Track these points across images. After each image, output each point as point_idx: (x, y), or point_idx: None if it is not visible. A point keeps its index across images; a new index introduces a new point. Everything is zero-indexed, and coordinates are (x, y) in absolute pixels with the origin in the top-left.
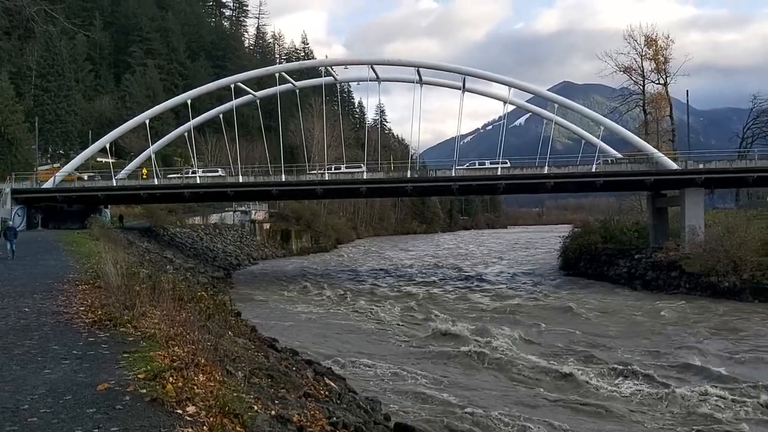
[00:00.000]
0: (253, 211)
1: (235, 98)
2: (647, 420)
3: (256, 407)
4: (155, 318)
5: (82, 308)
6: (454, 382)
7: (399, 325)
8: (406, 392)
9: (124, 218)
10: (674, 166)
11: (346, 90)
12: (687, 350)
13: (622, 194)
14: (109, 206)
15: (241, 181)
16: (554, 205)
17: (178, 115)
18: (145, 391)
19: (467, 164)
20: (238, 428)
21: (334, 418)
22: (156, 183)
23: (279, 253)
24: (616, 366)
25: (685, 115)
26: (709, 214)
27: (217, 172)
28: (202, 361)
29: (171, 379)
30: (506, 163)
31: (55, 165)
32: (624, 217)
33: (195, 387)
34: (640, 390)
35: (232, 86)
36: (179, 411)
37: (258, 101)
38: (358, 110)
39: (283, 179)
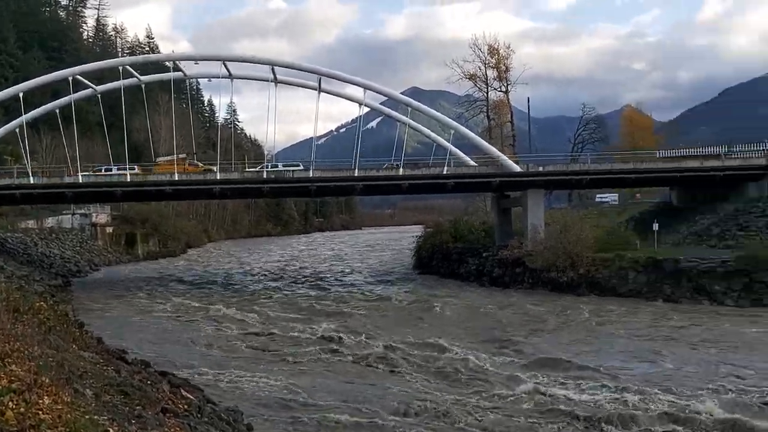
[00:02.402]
0: (95, 214)
1: (73, 92)
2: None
3: (111, 430)
4: None
5: None
6: (310, 386)
7: (253, 330)
8: (265, 399)
9: None
10: (517, 168)
11: (195, 87)
12: (522, 336)
13: (470, 195)
14: None
15: (81, 181)
16: (405, 206)
17: (8, 110)
18: None
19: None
20: None
21: None
22: None
23: (124, 259)
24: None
25: (522, 122)
26: (547, 213)
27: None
28: (46, 380)
29: (11, 404)
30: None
31: None
32: (472, 218)
33: (40, 412)
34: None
35: (71, 79)
36: None
37: (99, 96)
38: (208, 108)
39: (129, 179)
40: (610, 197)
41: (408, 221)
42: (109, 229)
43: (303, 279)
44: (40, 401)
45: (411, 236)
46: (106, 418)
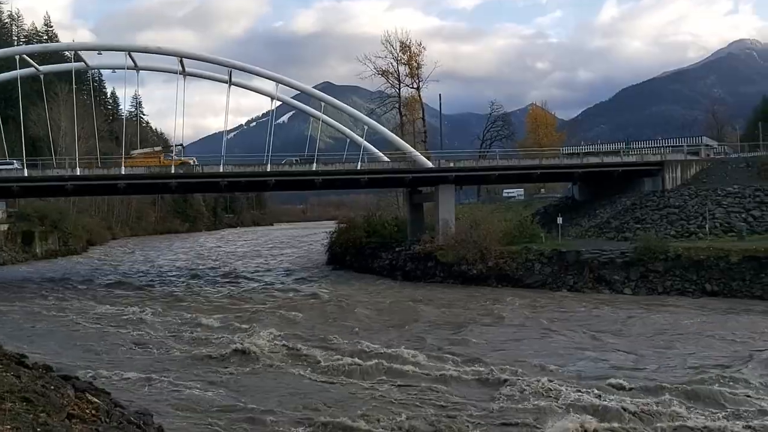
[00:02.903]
0: None
1: None
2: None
3: None
4: None
5: None
6: (219, 385)
7: (159, 330)
8: (174, 401)
9: None
10: (429, 164)
11: (97, 79)
12: (422, 325)
13: (382, 191)
14: None
15: None
16: (317, 202)
17: None
18: None
19: None
20: None
21: None
22: None
23: (20, 258)
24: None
25: (433, 118)
26: (457, 208)
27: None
28: None
29: None
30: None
31: None
32: (384, 213)
33: None
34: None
35: None
36: None
37: None
38: (111, 101)
39: (26, 174)
40: (517, 192)
41: (320, 217)
42: (4, 227)
43: (213, 277)
44: None
45: (323, 232)
46: (9, 427)
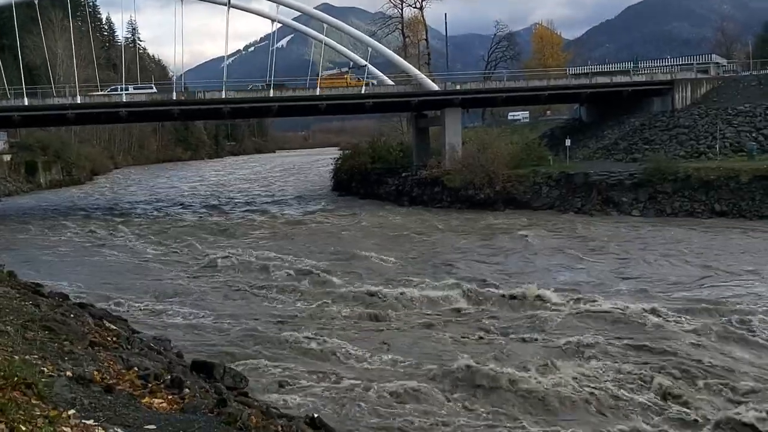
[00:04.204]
0: None
1: None
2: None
3: (45, 369)
4: None
5: None
6: (230, 312)
7: (167, 256)
8: (188, 326)
9: None
10: (435, 87)
11: (91, 4)
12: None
13: (384, 116)
14: None
15: None
16: (319, 128)
17: None
18: None
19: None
20: (34, 401)
21: (135, 367)
22: None
23: (25, 188)
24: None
25: (435, 40)
26: (463, 132)
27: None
28: None
29: None
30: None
31: None
32: (389, 138)
33: None
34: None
35: None
36: None
37: None
38: (106, 27)
39: (26, 103)
40: (522, 115)
41: (322, 144)
42: (7, 158)
43: (219, 204)
44: None
45: (326, 158)
46: (36, 356)
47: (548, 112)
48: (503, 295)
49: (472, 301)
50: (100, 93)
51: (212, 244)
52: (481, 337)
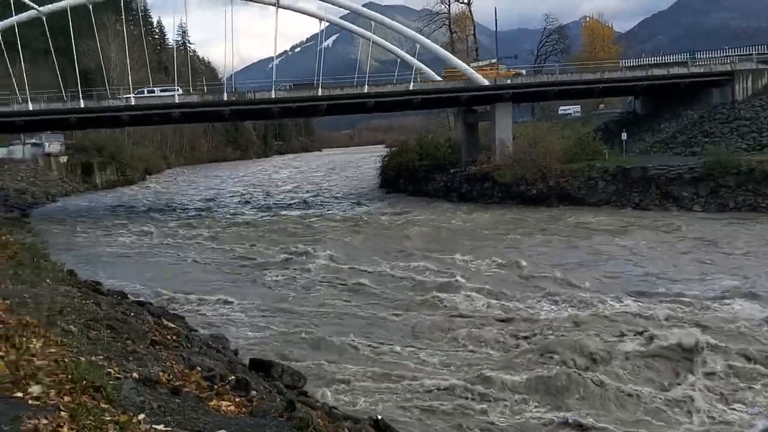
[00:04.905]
0: (47, 143)
1: (15, 14)
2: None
3: (111, 370)
4: None
5: None
6: (283, 308)
7: (220, 255)
8: (242, 323)
9: None
10: (485, 82)
11: (143, 8)
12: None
13: (431, 113)
14: None
15: (31, 109)
16: (365, 126)
17: None
18: None
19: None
20: (103, 404)
21: (198, 367)
22: None
23: (81, 189)
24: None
25: (481, 35)
26: (513, 127)
27: (177, 90)
28: (31, 320)
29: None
30: None
31: None
32: (436, 135)
33: (34, 358)
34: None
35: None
36: (20, 394)
37: (44, 18)
38: (157, 30)
39: (83, 105)
40: (573, 109)
41: (368, 142)
42: (64, 159)
43: (272, 202)
44: (31, 345)
45: (372, 156)
46: (101, 357)
47: (601, 105)
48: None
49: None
50: (129, 96)
51: (267, 243)
52: None
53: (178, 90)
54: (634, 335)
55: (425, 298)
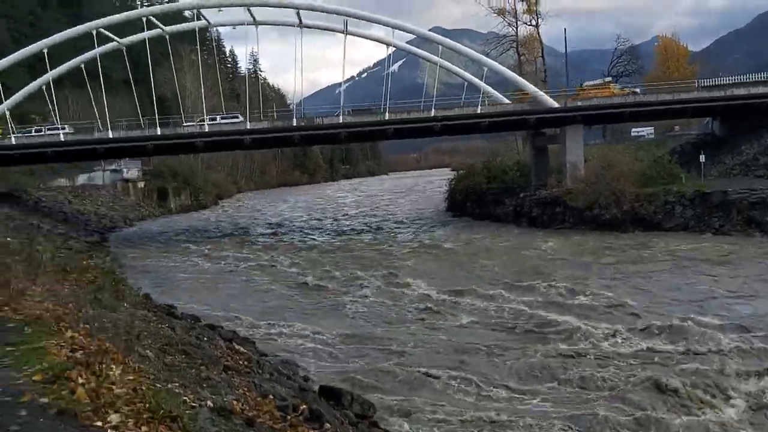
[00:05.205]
0: (125, 170)
1: (97, 46)
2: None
3: (187, 398)
4: (37, 296)
5: None
6: (355, 334)
7: (293, 279)
8: (312, 350)
9: None
10: (555, 104)
11: (216, 38)
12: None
13: (497, 136)
14: None
15: (111, 136)
16: (431, 149)
17: (31, 68)
18: (47, 399)
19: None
20: None
21: (271, 396)
22: (14, 143)
23: (157, 213)
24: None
25: (548, 57)
26: (584, 149)
27: (238, 118)
28: (111, 346)
29: (79, 378)
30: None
31: None
32: (504, 158)
33: (113, 386)
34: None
35: (94, 32)
36: (99, 423)
37: (124, 50)
38: (230, 59)
39: (159, 133)
40: (646, 131)
41: (433, 165)
42: (141, 184)
43: (341, 227)
44: (110, 372)
45: (438, 180)
46: (177, 384)
47: (676, 127)
48: None
49: None
50: (189, 124)
51: (339, 268)
52: None
53: (238, 117)
54: None
55: (525, 330)
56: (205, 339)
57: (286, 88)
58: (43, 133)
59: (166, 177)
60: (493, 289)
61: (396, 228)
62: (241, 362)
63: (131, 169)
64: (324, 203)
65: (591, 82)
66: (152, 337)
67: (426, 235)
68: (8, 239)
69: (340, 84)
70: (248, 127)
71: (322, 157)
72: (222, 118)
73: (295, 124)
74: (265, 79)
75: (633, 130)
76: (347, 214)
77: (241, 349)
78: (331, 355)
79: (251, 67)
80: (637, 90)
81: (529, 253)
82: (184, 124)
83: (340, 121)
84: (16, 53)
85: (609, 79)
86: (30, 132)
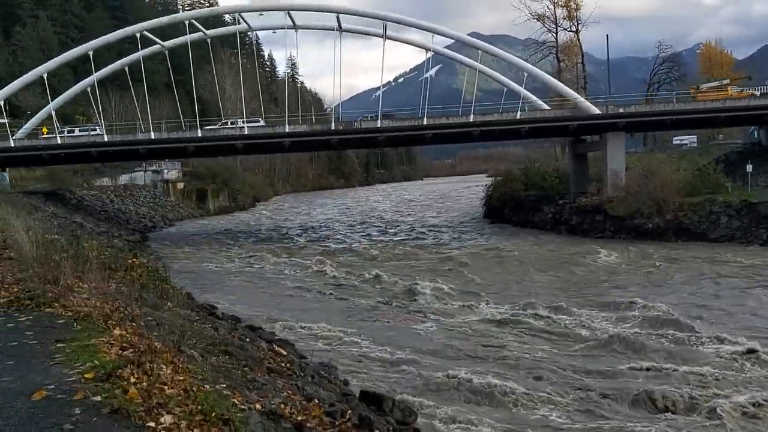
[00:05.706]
0: (166, 170)
1: (141, 49)
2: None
3: (235, 400)
4: (84, 293)
5: None
6: (390, 339)
7: (332, 282)
8: (348, 353)
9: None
10: (596, 111)
11: (255, 42)
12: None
13: (535, 142)
14: (7, 169)
15: (153, 137)
16: (467, 155)
17: (76, 70)
18: (99, 398)
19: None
20: None
21: (316, 400)
22: (59, 143)
23: (196, 214)
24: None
25: (589, 64)
26: (625, 157)
27: (259, 122)
28: (159, 345)
29: (131, 377)
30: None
31: None
32: (543, 165)
33: (164, 386)
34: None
35: (138, 35)
36: (152, 424)
37: (167, 52)
38: (268, 63)
39: (200, 135)
40: (689, 139)
41: (469, 171)
42: (180, 185)
43: (378, 231)
44: (161, 372)
45: (474, 185)
46: (224, 385)
47: (720, 135)
48: None
49: None
50: (213, 127)
51: (376, 273)
52: None
53: (259, 121)
54: None
55: (596, 345)
56: (248, 340)
57: (324, 92)
58: (76, 134)
59: (205, 178)
60: (548, 301)
61: (434, 233)
62: (283, 364)
63: (171, 170)
64: (361, 207)
65: (708, 84)
66: (196, 337)
67: (463, 241)
68: (56, 236)
69: (376, 89)
70: (287, 130)
71: (358, 161)
72: (247, 122)
73: (333, 128)
74: (302, 83)
75: (675, 138)
76: (384, 219)
77: (282, 351)
78: (372, 359)
79: (289, 71)
80: (757, 93)
81: (578, 261)
82: (216, 126)
83: (378, 125)
84: (61, 55)
85: (727, 81)
86: (63, 132)
